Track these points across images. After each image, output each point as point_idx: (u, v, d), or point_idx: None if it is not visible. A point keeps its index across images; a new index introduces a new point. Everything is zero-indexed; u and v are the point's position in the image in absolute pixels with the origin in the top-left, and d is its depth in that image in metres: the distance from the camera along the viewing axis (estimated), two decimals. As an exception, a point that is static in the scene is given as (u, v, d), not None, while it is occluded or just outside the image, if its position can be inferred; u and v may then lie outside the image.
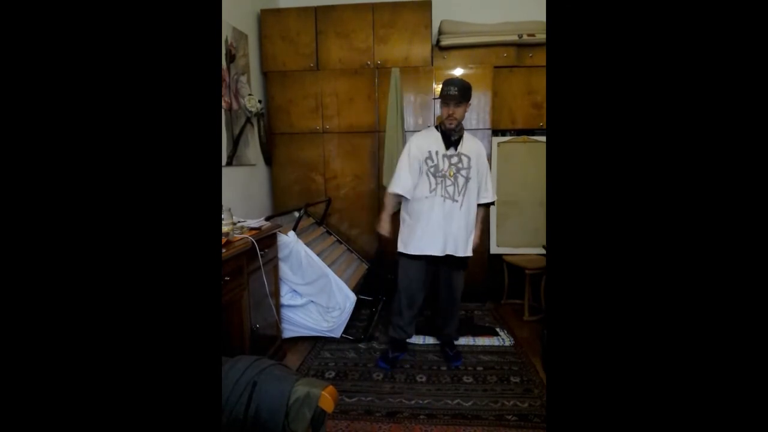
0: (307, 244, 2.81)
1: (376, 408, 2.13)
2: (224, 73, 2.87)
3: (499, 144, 3.58)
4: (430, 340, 2.88)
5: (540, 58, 3.45)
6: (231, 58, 2.96)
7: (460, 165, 2.38)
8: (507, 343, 2.83)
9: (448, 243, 2.39)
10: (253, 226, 2.38)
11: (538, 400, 2.17)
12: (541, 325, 3.01)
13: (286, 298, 2.77)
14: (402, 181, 2.41)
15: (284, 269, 2.74)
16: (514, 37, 3.40)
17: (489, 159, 3.43)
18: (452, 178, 2.37)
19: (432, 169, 2.38)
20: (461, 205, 2.38)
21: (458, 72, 3.40)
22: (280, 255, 2.68)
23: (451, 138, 2.38)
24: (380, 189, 3.48)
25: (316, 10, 3.42)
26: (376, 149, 3.49)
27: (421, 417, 2.05)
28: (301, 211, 3.08)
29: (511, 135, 3.62)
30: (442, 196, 2.37)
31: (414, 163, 2.39)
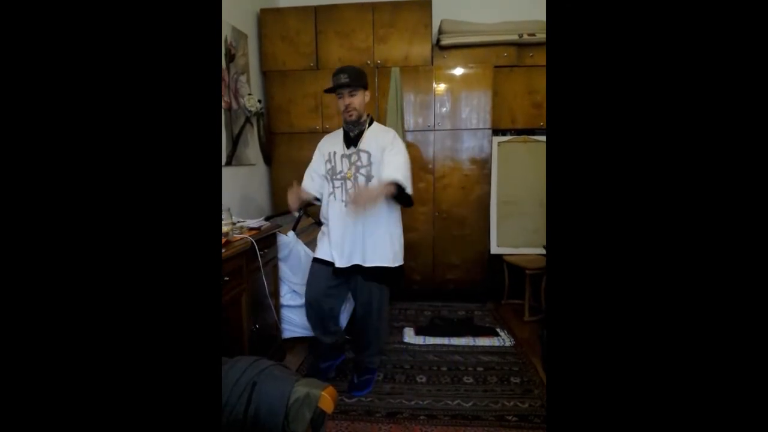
0: (307, 245, 2.79)
1: (376, 408, 2.13)
2: (223, 72, 2.87)
3: (499, 144, 3.58)
4: (429, 340, 2.87)
5: (540, 57, 3.44)
6: (230, 58, 2.95)
7: (359, 163, 2.12)
8: (507, 344, 2.82)
9: (355, 252, 2.17)
10: (252, 226, 2.37)
11: (538, 401, 2.16)
12: (542, 325, 3.00)
13: (285, 298, 2.76)
14: (305, 180, 2.30)
15: (284, 269, 2.73)
16: (515, 37, 3.39)
17: (489, 159, 3.44)
18: (352, 179, 2.13)
19: (330, 172, 2.18)
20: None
21: (458, 71, 3.40)
22: (280, 255, 2.67)
23: (350, 134, 2.15)
24: (380, 189, 3.48)
25: (316, 9, 3.41)
26: (376, 149, 3.48)
27: (421, 418, 2.04)
28: (301, 212, 3.07)
29: (511, 135, 3.61)
30: (342, 200, 2.15)
31: (314, 165, 2.28)
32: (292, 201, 2.18)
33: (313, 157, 2.30)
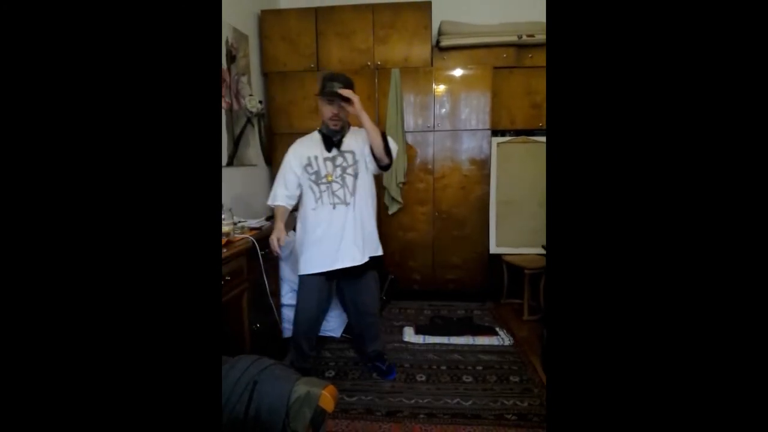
0: (308, 244, 2.80)
1: (377, 407, 2.14)
2: (225, 73, 2.88)
3: (498, 144, 3.59)
4: (429, 339, 2.88)
5: (540, 58, 3.45)
6: (231, 59, 2.96)
7: (345, 164, 2.16)
8: (506, 343, 2.84)
9: (344, 254, 2.18)
10: (253, 226, 2.40)
11: (537, 400, 2.17)
12: (541, 324, 3.01)
13: (286, 297, 2.77)
14: (276, 190, 2.24)
15: (285, 269, 2.74)
16: (514, 38, 3.40)
17: (488, 159, 3.46)
18: (339, 180, 2.15)
19: (313, 177, 2.16)
20: (354, 206, 2.17)
21: (458, 72, 3.41)
22: (281, 255, 2.68)
23: (333, 139, 2.18)
24: (380, 189, 3.48)
25: (317, 10, 3.43)
26: (376, 149, 3.48)
27: (421, 416, 2.05)
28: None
29: (510, 135, 3.62)
30: (331, 203, 2.15)
31: (289, 173, 2.21)
32: (276, 241, 2.15)
33: (287, 163, 2.23)
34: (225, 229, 2.05)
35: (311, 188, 2.18)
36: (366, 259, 2.23)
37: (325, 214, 2.18)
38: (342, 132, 2.19)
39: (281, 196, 2.24)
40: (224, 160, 2.87)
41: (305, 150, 2.21)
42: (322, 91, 2.09)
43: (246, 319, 2.16)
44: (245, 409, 1.19)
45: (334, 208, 2.17)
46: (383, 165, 2.18)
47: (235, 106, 3.01)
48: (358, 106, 2.03)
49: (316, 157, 2.18)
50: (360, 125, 2.14)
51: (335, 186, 2.16)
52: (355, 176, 2.18)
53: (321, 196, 2.17)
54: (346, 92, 2.03)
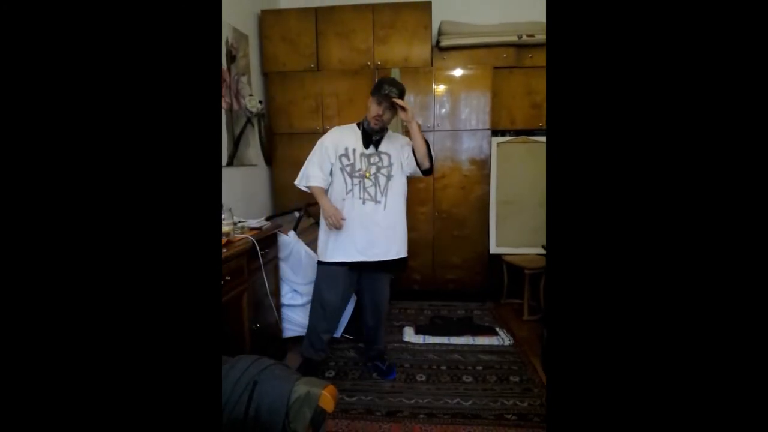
0: (308, 244, 2.81)
1: (376, 407, 2.14)
2: (225, 73, 2.88)
3: (498, 144, 3.59)
4: (429, 339, 2.89)
5: (540, 58, 3.45)
6: (231, 59, 2.96)
7: (380, 164, 2.21)
8: (506, 343, 2.84)
9: (381, 247, 2.22)
10: (253, 226, 2.39)
11: (537, 400, 2.18)
12: (541, 324, 3.01)
13: (286, 297, 2.77)
14: (310, 172, 2.24)
15: (285, 269, 2.74)
16: (514, 38, 3.41)
17: (488, 159, 3.46)
18: (372, 178, 2.20)
19: (348, 168, 2.20)
20: (384, 206, 2.21)
21: (458, 72, 3.41)
22: (281, 255, 2.69)
23: (372, 137, 2.23)
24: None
25: (317, 10, 3.43)
26: (376, 149, 3.49)
27: (421, 416, 2.05)
28: (302, 212, 3.08)
29: (510, 135, 3.63)
30: (360, 198, 2.19)
31: (325, 159, 2.22)
32: (339, 215, 2.20)
33: (323, 147, 2.25)
34: (225, 229, 2.05)
35: (344, 179, 2.21)
36: (390, 258, 2.26)
37: (354, 207, 2.21)
38: (381, 133, 2.24)
39: (317, 178, 2.23)
40: (224, 160, 2.87)
41: (343, 139, 2.24)
42: (378, 92, 2.12)
43: (246, 319, 2.16)
44: (245, 410, 1.19)
45: (363, 203, 2.21)
46: (424, 169, 2.22)
47: (235, 106, 3.01)
48: (411, 114, 2.10)
49: (354, 150, 2.22)
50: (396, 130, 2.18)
51: (368, 183, 2.20)
52: (389, 178, 2.22)
53: (352, 189, 2.21)
54: (401, 102, 2.10)
